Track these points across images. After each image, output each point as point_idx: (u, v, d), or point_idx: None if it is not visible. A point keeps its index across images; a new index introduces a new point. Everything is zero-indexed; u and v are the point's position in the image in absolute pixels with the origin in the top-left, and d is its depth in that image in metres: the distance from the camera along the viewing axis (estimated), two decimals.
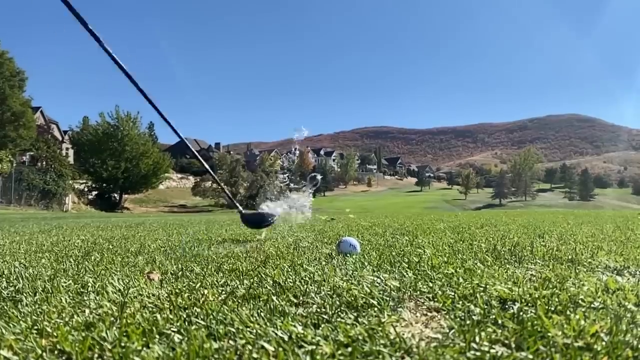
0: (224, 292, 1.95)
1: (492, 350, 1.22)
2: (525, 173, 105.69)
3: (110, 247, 4.13)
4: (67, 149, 54.41)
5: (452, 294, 1.83)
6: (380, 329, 1.39)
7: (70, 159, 49.72)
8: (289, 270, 2.46)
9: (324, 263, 2.71)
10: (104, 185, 49.36)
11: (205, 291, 1.94)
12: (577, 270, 2.35)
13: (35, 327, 1.49)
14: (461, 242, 3.84)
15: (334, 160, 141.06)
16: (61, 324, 1.50)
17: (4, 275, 2.48)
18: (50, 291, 2.03)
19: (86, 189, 49.38)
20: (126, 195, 52.20)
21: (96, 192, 50.16)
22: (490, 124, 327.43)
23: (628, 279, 2.16)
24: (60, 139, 56.20)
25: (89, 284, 2.15)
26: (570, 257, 2.86)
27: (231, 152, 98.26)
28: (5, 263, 3.03)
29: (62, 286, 2.13)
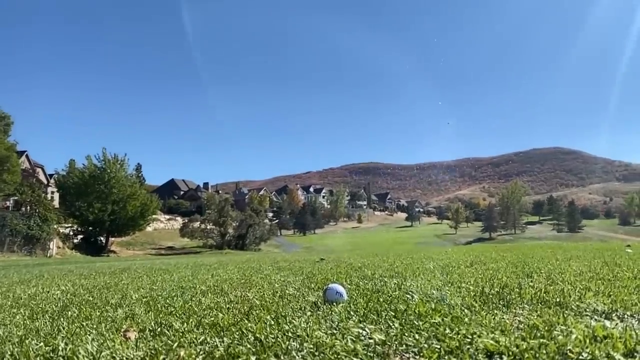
0: (202, 352, 1.87)
1: None
2: (514, 206, 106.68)
3: (90, 298, 3.99)
4: (52, 192, 53.58)
5: (438, 347, 1.77)
6: None
7: (56, 203, 48.89)
8: (272, 323, 2.39)
9: (309, 314, 2.64)
10: (90, 228, 48.38)
11: (182, 352, 1.86)
12: (565, 315, 2.32)
13: None
14: (449, 285, 3.78)
15: (323, 197, 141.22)
16: None
17: None
18: (18, 358, 1.92)
19: (72, 233, 48.24)
20: (113, 238, 51.07)
21: (82, 236, 49.07)
22: (477, 158, 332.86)
23: (616, 324, 2.13)
24: (45, 182, 55.50)
25: (60, 347, 2.05)
26: (558, 299, 2.82)
27: (220, 192, 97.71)
28: None
29: (32, 350, 2.02)
